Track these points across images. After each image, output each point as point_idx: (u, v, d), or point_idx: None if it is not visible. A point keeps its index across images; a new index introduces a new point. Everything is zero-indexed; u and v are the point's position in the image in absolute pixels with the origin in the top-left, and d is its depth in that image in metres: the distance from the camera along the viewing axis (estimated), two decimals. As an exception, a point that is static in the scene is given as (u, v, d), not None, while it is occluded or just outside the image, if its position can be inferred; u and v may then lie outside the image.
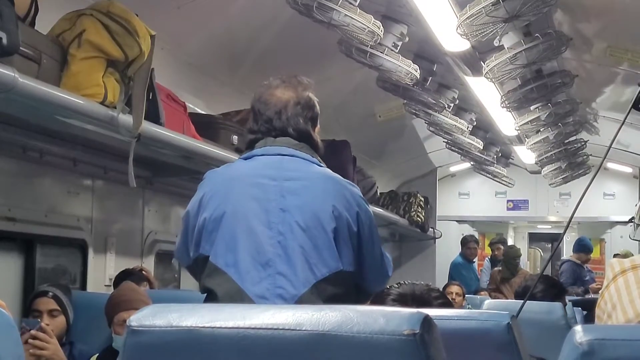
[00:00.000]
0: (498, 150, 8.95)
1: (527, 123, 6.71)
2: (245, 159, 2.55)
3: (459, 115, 7.03)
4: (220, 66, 5.17)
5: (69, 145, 3.85)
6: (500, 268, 8.98)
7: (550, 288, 3.92)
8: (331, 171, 2.54)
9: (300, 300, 2.31)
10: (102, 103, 3.13)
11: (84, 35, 3.11)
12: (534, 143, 7.47)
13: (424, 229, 9.10)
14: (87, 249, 4.28)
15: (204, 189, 2.49)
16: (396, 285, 2.00)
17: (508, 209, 11.56)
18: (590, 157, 8.76)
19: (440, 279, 9.21)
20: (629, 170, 10.48)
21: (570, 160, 8.61)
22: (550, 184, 9.65)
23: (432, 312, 1.15)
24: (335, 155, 5.47)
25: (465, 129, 7.07)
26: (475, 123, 7.44)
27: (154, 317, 1.13)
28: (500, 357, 1.58)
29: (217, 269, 2.37)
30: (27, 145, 3.69)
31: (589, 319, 5.65)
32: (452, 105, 6.62)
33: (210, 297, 2.41)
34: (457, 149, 8.15)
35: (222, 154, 4.09)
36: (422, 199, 8.99)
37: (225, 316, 1.11)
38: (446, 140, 7.78)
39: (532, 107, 6.53)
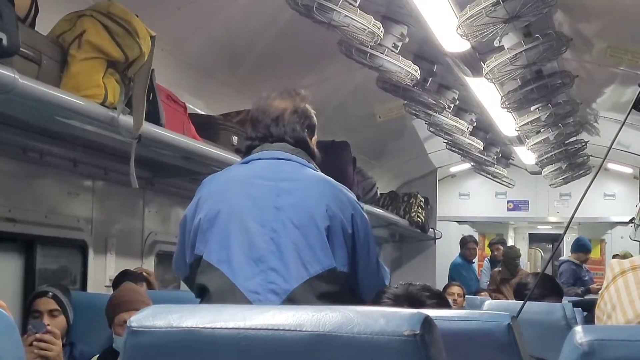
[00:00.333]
0: (498, 150, 8.95)
1: (527, 124, 6.71)
2: (243, 163, 2.60)
3: (459, 115, 7.03)
4: (221, 67, 5.17)
5: (69, 146, 3.85)
6: (500, 268, 8.98)
7: (545, 284, 3.92)
8: (327, 176, 2.57)
9: (293, 295, 2.32)
10: (102, 104, 3.13)
11: (84, 36, 3.11)
12: (534, 144, 7.47)
13: (424, 230, 9.10)
14: (88, 249, 4.28)
15: (200, 193, 2.53)
16: (395, 287, 2.00)
17: (508, 209, 11.56)
18: (590, 157, 8.77)
19: (441, 280, 9.21)
20: (629, 170, 10.48)
21: (571, 160, 8.61)
22: (550, 185, 9.65)
23: (433, 312, 1.15)
24: (335, 156, 5.47)
25: (466, 130, 7.07)
26: (475, 124, 7.44)
27: (154, 317, 1.13)
28: (501, 357, 1.58)
29: (210, 265, 2.40)
30: (27, 146, 3.69)
31: (589, 319, 5.65)
32: (452, 105, 6.63)
33: (202, 293, 2.43)
34: (457, 150, 8.15)
35: (222, 155, 4.09)
36: (422, 200, 8.99)
37: (226, 317, 1.11)
38: (446, 141, 7.78)
39: (532, 108, 6.53)
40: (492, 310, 3.39)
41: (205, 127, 4.33)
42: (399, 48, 4.98)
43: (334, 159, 5.38)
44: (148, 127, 3.40)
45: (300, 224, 2.39)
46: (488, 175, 9.65)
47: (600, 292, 1.59)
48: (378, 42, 4.44)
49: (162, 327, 1.12)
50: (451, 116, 6.78)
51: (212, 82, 5.21)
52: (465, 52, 5.21)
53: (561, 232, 12.22)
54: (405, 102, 6.47)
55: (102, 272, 4.42)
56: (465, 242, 9.75)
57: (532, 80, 5.79)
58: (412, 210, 8.72)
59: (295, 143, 2.57)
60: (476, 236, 11.05)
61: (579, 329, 1.09)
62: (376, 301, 1.98)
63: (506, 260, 8.82)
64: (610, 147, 2.17)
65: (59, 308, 3.42)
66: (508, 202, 11.46)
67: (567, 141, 7.77)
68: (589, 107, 7.40)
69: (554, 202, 11.17)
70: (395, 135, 8.12)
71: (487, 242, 11.74)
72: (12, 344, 1.42)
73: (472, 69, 5.55)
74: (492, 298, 7.55)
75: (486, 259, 10.32)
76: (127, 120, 3.26)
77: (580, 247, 8.78)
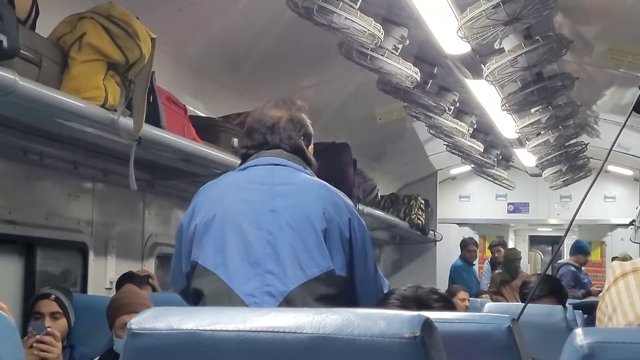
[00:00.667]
0: (498, 152, 8.95)
1: (527, 126, 6.71)
2: (239, 170, 2.59)
3: (460, 118, 7.03)
4: (221, 69, 5.17)
5: (69, 148, 3.85)
6: (500, 271, 8.98)
7: (547, 284, 3.90)
8: (323, 181, 2.55)
9: (290, 297, 2.30)
10: (102, 106, 3.13)
11: (84, 38, 3.12)
12: (535, 146, 7.47)
13: (424, 232, 9.09)
14: (88, 251, 4.28)
15: (196, 200, 2.52)
16: (404, 289, 1.98)
17: (508, 211, 11.56)
18: (590, 159, 8.77)
19: (441, 282, 9.21)
20: (629, 173, 10.48)
21: (571, 163, 8.62)
22: (550, 187, 9.65)
23: (433, 315, 1.15)
24: (336, 158, 5.48)
25: (466, 132, 7.07)
26: (475, 126, 7.44)
27: (154, 320, 1.13)
28: (501, 360, 1.57)
29: (206, 269, 2.37)
30: (28, 148, 3.69)
31: (589, 322, 5.65)
32: (452, 108, 6.63)
33: (197, 297, 2.39)
34: (457, 152, 8.15)
35: (222, 157, 4.09)
36: (423, 202, 8.99)
37: (226, 319, 1.11)
38: (447, 143, 7.78)
39: (532, 110, 6.54)
40: (493, 312, 3.39)
41: (206, 129, 4.33)
42: (399, 50, 4.99)
43: (335, 161, 5.39)
44: (148, 129, 3.40)
45: (296, 226, 2.37)
46: (488, 178, 9.65)
47: (601, 294, 1.59)
48: (378, 44, 4.44)
49: (162, 329, 1.12)
50: (451, 118, 6.78)
51: (212, 84, 5.21)
52: (466, 55, 5.22)
53: (562, 234, 12.26)
54: (406, 104, 6.47)
55: (102, 274, 4.42)
56: (465, 244, 9.75)
57: (533, 82, 5.79)
58: (413, 212, 8.72)
59: (291, 150, 2.56)
60: (476, 238, 11.04)
61: (579, 331, 1.09)
62: (383, 302, 1.97)
63: (506, 263, 8.82)
64: (611, 149, 2.17)
65: (60, 310, 3.43)
66: (508, 204, 11.47)
67: (568, 143, 7.77)
68: (589, 109, 7.40)
69: (554, 204, 11.17)
70: (396, 137, 8.12)
71: (487, 245, 11.74)
72: (12, 346, 1.42)
73: (473, 71, 5.56)
74: (492, 300, 7.55)
75: (487, 261, 10.32)
76: (127, 122, 3.27)
77: (579, 249, 8.77)
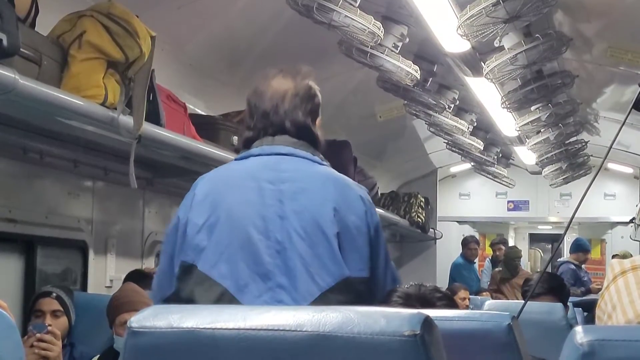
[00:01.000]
0: (498, 150, 8.95)
1: (527, 124, 6.71)
2: (241, 159, 2.40)
3: (460, 115, 7.03)
4: (221, 67, 5.17)
5: (69, 147, 3.85)
6: (500, 268, 8.98)
7: (546, 283, 3.90)
8: (333, 170, 2.40)
9: None
10: (102, 104, 3.13)
11: (84, 36, 3.11)
12: (535, 144, 7.47)
13: (424, 230, 9.10)
14: (88, 250, 4.28)
15: (193, 192, 2.33)
16: (407, 287, 1.97)
17: (509, 209, 11.56)
18: (590, 157, 8.77)
19: (441, 280, 9.21)
20: (629, 170, 10.48)
21: (571, 160, 8.62)
22: (550, 185, 9.66)
23: (433, 312, 1.15)
24: (336, 155, 5.46)
25: (466, 130, 7.07)
26: (475, 124, 7.44)
27: (154, 318, 1.13)
28: (501, 357, 1.58)
29: (207, 278, 2.19)
30: (28, 146, 3.69)
31: (589, 319, 5.66)
32: (452, 105, 6.63)
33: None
34: (457, 150, 8.15)
35: (222, 155, 4.09)
36: (423, 200, 8.99)
37: (226, 317, 1.11)
38: (447, 141, 7.79)
39: (532, 108, 6.54)
40: (493, 310, 3.40)
41: (205, 127, 4.33)
42: (399, 48, 4.98)
43: (335, 158, 5.36)
44: (148, 127, 3.40)
45: (306, 234, 2.21)
46: (488, 175, 9.66)
47: (600, 292, 1.59)
48: (378, 42, 4.44)
49: (162, 327, 1.12)
50: (451, 116, 6.78)
51: (212, 82, 5.21)
52: (466, 52, 5.21)
53: (561, 232, 12.25)
54: (406, 102, 6.47)
55: (102, 272, 4.42)
56: (466, 242, 9.75)
57: (533, 80, 5.79)
58: (413, 210, 8.72)
59: (297, 132, 2.36)
60: (476, 236, 11.04)
61: (579, 329, 1.09)
62: (386, 300, 1.95)
63: (506, 261, 8.83)
64: (611, 147, 2.17)
65: (61, 309, 3.43)
66: (508, 202, 11.47)
67: (568, 141, 7.77)
68: (589, 107, 7.40)
69: (555, 202, 11.17)
70: (396, 135, 8.13)
71: (487, 242, 11.74)
72: (12, 344, 1.42)
73: (473, 69, 5.56)
74: (493, 298, 7.56)
75: (487, 259, 10.33)
76: (127, 120, 3.26)
77: (579, 247, 8.78)
